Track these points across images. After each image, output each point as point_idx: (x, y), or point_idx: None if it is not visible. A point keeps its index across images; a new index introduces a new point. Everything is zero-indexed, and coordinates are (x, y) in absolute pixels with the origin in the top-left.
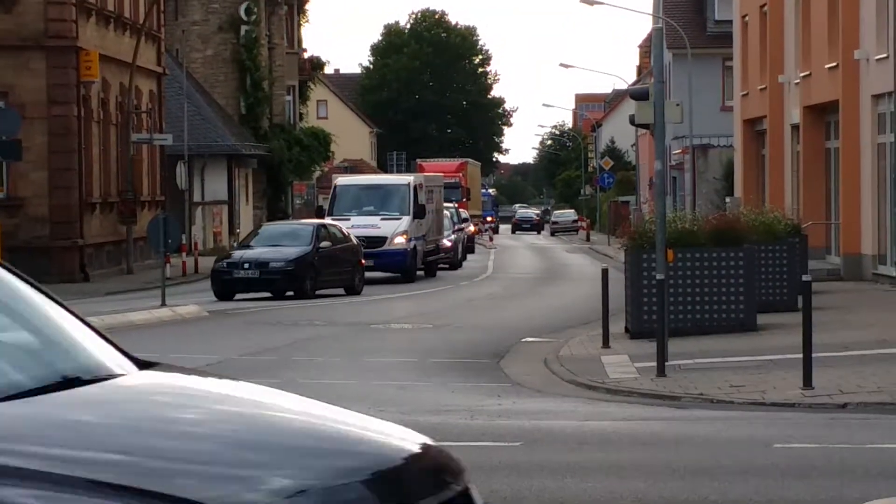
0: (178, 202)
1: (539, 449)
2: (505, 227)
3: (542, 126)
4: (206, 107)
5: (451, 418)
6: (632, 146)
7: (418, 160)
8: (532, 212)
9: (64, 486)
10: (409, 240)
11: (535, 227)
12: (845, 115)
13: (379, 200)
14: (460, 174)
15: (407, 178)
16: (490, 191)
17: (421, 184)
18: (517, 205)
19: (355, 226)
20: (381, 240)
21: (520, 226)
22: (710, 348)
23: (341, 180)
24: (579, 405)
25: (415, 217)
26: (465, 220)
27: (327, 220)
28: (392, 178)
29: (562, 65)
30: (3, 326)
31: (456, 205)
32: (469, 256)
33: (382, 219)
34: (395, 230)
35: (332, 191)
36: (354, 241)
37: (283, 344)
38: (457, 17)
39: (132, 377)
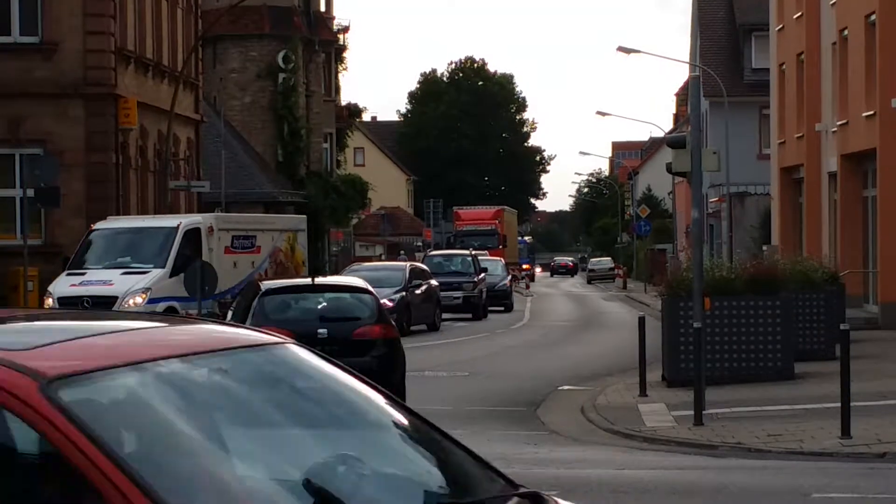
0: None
1: (575, 498)
2: (544, 273)
3: (579, 174)
4: (243, 154)
5: None
6: (668, 194)
7: (455, 208)
8: (568, 259)
9: None
10: (149, 300)
11: (570, 271)
12: (883, 163)
13: (137, 249)
14: (496, 221)
15: (177, 220)
16: (526, 238)
17: (210, 226)
18: (557, 256)
19: (85, 282)
20: (111, 300)
21: (557, 270)
22: (748, 397)
23: (101, 223)
24: (616, 454)
25: (176, 270)
26: (483, 270)
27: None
28: (158, 220)
29: (598, 113)
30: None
31: (471, 252)
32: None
33: (125, 272)
34: (131, 288)
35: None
36: None
37: None
38: (494, 65)
39: None
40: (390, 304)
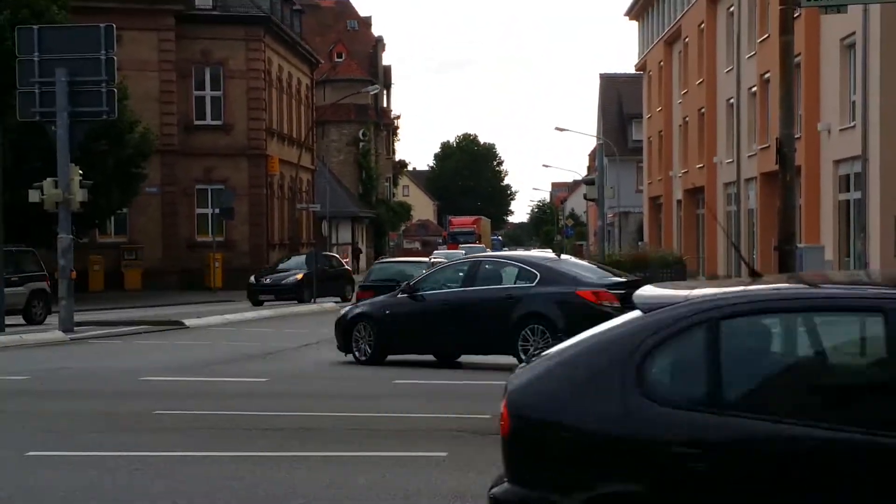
0: (323, 243)
1: None
2: None
3: (532, 200)
4: (339, 188)
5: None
6: (584, 212)
7: (449, 216)
8: (523, 248)
9: None
10: None
11: None
12: (708, 195)
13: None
14: (476, 226)
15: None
16: (499, 237)
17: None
18: (518, 248)
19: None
20: None
21: None
22: None
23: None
24: None
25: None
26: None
27: None
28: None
29: (544, 165)
30: None
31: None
32: None
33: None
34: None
35: None
36: None
37: None
38: (483, 137)
39: None
40: None
